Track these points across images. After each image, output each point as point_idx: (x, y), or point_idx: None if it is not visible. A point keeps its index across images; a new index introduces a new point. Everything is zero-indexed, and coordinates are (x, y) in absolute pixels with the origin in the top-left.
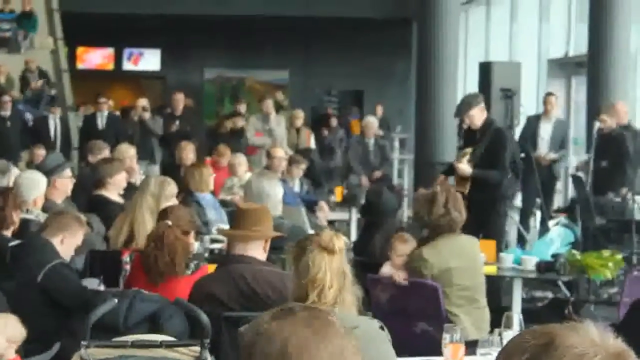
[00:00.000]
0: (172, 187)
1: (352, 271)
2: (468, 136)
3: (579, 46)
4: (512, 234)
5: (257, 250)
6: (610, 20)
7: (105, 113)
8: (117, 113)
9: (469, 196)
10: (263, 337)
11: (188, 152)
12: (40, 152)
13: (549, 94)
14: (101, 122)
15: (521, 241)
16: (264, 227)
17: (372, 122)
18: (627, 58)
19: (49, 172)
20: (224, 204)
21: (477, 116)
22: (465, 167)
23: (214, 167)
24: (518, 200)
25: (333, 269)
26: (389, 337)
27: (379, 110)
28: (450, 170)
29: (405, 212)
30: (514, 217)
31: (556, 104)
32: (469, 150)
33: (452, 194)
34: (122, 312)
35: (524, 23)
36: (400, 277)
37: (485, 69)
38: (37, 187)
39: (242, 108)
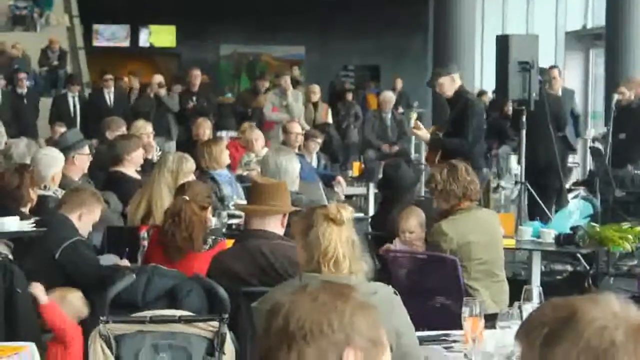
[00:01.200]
0: (190, 164)
1: (370, 245)
2: (449, 106)
3: (597, 18)
4: None
5: (275, 225)
6: None
7: (112, 90)
8: (133, 88)
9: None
10: (271, 312)
11: (205, 129)
12: (61, 130)
13: (552, 67)
14: (109, 98)
15: (540, 214)
16: (282, 202)
17: (390, 96)
18: None
19: (68, 149)
20: (241, 179)
21: (447, 85)
22: (421, 132)
23: (239, 146)
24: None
25: (343, 240)
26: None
27: (398, 84)
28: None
29: (423, 187)
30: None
31: (559, 77)
32: (413, 113)
33: (459, 172)
34: (140, 287)
35: None
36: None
37: (503, 42)
38: (55, 164)
39: (265, 85)
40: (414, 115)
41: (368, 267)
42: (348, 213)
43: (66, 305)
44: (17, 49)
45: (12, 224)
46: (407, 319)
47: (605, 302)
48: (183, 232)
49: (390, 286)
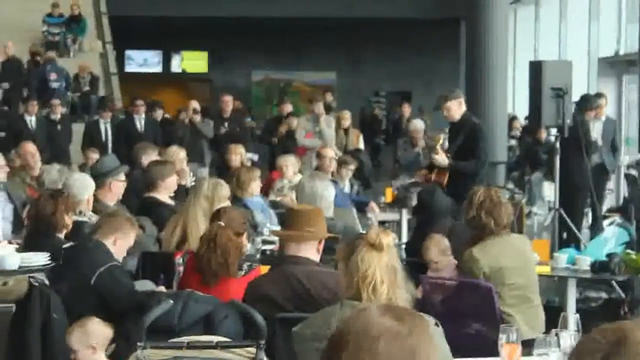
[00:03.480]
0: (225, 189)
1: (404, 271)
2: (451, 131)
3: (630, 44)
4: None
5: (311, 251)
6: None
7: (143, 115)
8: (165, 115)
9: (447, 187)
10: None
11: (236, 154)
12: (94, 156)
13: (600, 95)
14: (140, 124)
15: (574, 242)
16: (318, 228)
17: (419, 125)
18: None
19: (105, 175)
20: (274, 205)
21: (454, 109)
22: (441, 158)
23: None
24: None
25: (382, 265)
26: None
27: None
28: (432, 165)
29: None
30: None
31: (606, 104)
32: (440, 137)
33: (490, 198)
34: (176, 313)
35: (573, 21)
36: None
37: (536, 68)
38: (87, 189)
39: (288, 108)
40: (440, 140)
41: (411, 296)
42: (389, 239)
43: (92, 337)
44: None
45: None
46: (449, 353)
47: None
48: (219, 257)
49: (431, 317)
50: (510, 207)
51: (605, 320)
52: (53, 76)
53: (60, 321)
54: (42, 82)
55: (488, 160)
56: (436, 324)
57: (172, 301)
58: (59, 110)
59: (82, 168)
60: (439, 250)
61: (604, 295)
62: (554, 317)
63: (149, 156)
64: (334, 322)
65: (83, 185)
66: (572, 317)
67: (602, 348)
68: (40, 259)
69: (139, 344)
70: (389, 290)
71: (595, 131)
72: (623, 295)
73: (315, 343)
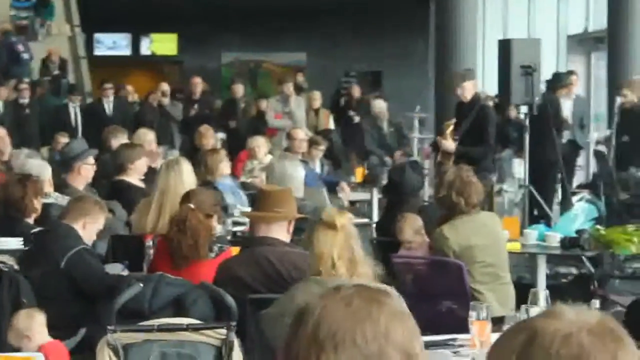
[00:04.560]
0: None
1: (375, 251)
2: (458, 110)
3: (599, 21)
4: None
5: (281, 232)
6: None
7: (112, 99)
8: (133, 99)
9: None
10: (300, 316)
11: (208, 138)
12: (63, 140)
13: (571, 73)
14: (108, 108)
15: (545, 219)
16: (288, 209)
17: (381, 105)
18: None
19: (74, 158)
20: (244, 186)
21: (469, 89)
22: (449, 143)
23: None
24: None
25: (337, 244)
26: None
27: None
28: (436, 144)
29: (427, 191)
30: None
31: (577, 82)
32: (452, 121)
33: (460, 177)
34: (147, 296)
35: None
36: None
37: (505, 47)
38: (46, 170)
39: (240, 90)
40: (451, 127)
41: (375, 272)
42: (343, 219)
43: (23, 330)
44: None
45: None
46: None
47: (559, 313)
48: (189, 239)
49: (393, 288)
50: (480, 186)
51: (575, 295)
52: (21, 47)
53: (29, 307)
54: (11, 52)
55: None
56: (398, 296)
57: (142, 285)
58: (27, 94)
59: (51, 152)
60: (413, 230)
61: (573, 270)
62: (524, 293)
63: (118, 139)
64: (298, 295)
65: (41, 166)
66: (542, 293)
67: (516, 347)
68: (13, 242)
69: (109, 327)
70: (348, 267)
71: (566, 109)
72: (593, 270)
73: (284, 318)
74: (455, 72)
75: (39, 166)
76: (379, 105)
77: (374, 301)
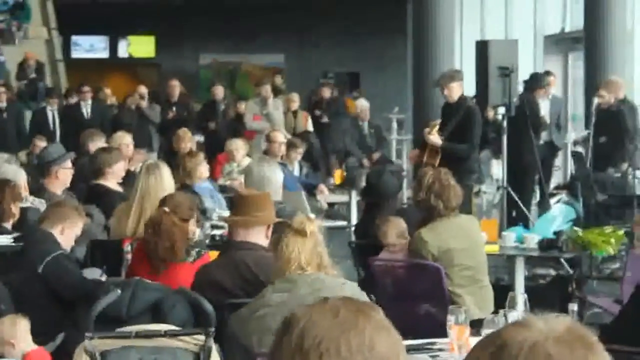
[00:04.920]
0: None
1: (354, 254)
2: (444, 111)
3: (575, 22)
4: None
5: (259, 236)
6: None
7: (90, 102)
8: (111, 102)
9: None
10: (286, 325)
11: (186, 142)
12: (41, 144)
13: (548, 73)
14: (86, 111)
15: (523, 220)
16: (266, 213)
17: (364, 105)
18: (623, 33)
19: (51, 163)
20: (223, 189)
21: (456, 90)
22: (435, 138)
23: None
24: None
25: (306, 250)
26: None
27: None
28: (425, 144)
29: (405, 193)
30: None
31: (554, 82)
32: (437, 121)
33: (439, 180)
34: (124, 302)
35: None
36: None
37: (482, 48)
38: (19, 175)
39: (220, 92)
40: (437, 126)
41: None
42: (313, 226)
43: (5, 335)
44: None
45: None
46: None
47: (527, 322)
48: (165, 242)
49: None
50: (459, 189)
51: (553, 297)
52: None
53: (7, 312)
54: None
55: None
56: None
57: (119, 291)
58: (4, 98)
59: (29, 156)
60: (397, 233)
61: (552, 272)
62: (503, 295)
63: (96, 143)
64: (267, 293)
65: (15, 171)
66: (521, 296)
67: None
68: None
69: (86, 334)
70: (318, 268)
71: (544, 109)
72: (570, 271)
73: (253, 315)
74: (443, 72)
75: (14, 171)
76: (360, 105)
77: (360, 313)
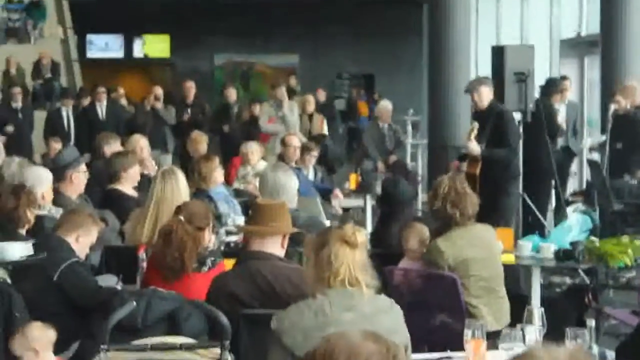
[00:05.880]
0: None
1: (370, 263)
2: (475, 119)
3: (592, 25)
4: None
5: (275, 246)
6: None
7: (105, 103)
8: (123, 102)
9: (481, 177)
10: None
11: (199, 144)
12: (56, 145)
13: (564, 78)
14: (101, 112)
15: (539, 227)
16: (282, 223)
17: (387, 106)
18: None
19: (65, 167)
20: (237, 193)
21: (485, 95)
22: (474, 145)
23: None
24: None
25: (355, 262)
26: None
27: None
28: (465, 155)
29: (420, 198)
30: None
31: (570, 87)
32: (475, 124)
33: (455, 189)
34: (140, 311)
35: (535, 3)
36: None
37: (498, 53)
38: (42, 183)
39: (232, 94)
40: (474, 130)
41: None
42: (363, 236)
43: (33, 341)
44: (11, 62)
45: (13, 249)
46: (407, 335)
47: (531, 354)
48: (174, 252)
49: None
50: (475, 197)
51: (569, 307)
52: None
53: (22, 320)
54: None
55: (518, 145)
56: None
57: (135, 303)
58: (19, 98)
59: (44, 157)
60: (420, 240)
61: (568, 280)
62: (519, 304)
63: (111, 146)
64: (307, 312)
65: (38, 179)
66: (537, 310)
67: None
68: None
69: (102, 346)
70: (365, 287)
71: (560, 114)
72: (587, 280)
73: (288, 336)
74: (472, 79)
75: (36, 178)
76: (381, 107)
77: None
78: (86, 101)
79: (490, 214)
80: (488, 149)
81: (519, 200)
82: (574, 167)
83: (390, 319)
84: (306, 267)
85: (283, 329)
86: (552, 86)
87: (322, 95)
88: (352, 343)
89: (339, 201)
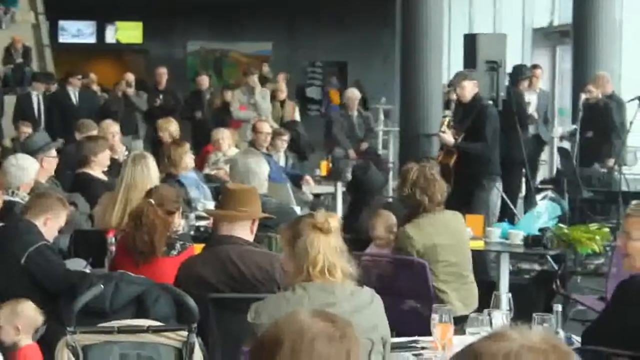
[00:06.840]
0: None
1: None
2: (457, 111)
3: (564, 15)
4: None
5: (244, 231)
6: None
7: (77, 89)
8: (95, 88)
9: (455, 169)
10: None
11: (170, 130)
12: (26, 130)
13: (536, 67)
14: (75, 97)
15: (509, 214)
16: (252, 208)
17: (355, 93)
18: (612, 27)
19: (36, 151)
20: (208, 179)
21: (469, 89)
22: (447, 136)
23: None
24: None
25: (331, 248)
26: None
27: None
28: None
29: (391, 185)
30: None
31: (541, 76)
32: (448, 113)
33: (424, 175)
34: (107, 295)
35: None
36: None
37: (471, 41)
38: (26, 175)
39: (205, 81)
40: (446, 121)
41: (353, 270)
42: (335, 222)
43: (21, 318)
44: None
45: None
46: (387, 323)
47: (502, 334)
48: (144, 235)
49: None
50: (444, 184)
51: (537, 293)
52: None
53: None
54: None
55: (497, 143)
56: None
57: (102, 286)
58: None
59: (14, 142)
60: (386, 227)
61: (536, 266)
62: (487, 290)
63: (82, 133)
64: (285, 307)
65: (22, 172)
66: (505, 296)
67: None
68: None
69: (68, 328)
70: (342, 271)
71: (531, 103)
72: (555, 266)
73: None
74: (458, 72)
75: (23, 170)
76: (350, 93)
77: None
78: (54, 87)
79: (463, 207)
80: (464, 142)
81: (498, 197)
82: (544, 155)
83: (370, 315)
84: (284, 260)
85: (260, 321)
86: (520, 73)
87: (281, 80)
88: (300, 324)
89: (310, 187)
